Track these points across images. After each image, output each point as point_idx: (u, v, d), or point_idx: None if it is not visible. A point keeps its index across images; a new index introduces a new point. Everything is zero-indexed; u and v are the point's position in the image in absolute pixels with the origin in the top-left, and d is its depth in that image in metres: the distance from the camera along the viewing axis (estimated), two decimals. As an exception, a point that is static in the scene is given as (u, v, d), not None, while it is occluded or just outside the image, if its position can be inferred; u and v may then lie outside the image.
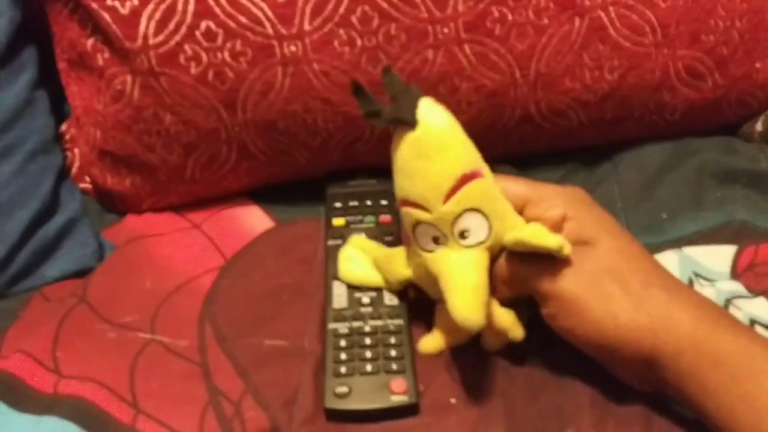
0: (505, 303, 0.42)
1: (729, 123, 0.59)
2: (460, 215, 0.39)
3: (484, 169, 0.40)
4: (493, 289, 0.41)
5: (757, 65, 0.56)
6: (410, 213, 0.40)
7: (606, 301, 0.38)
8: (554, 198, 0.41)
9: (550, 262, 0.39)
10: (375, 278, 0.47)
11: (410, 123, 0.38)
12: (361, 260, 0.47)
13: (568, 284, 0.39)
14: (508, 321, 0.42)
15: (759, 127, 0.58)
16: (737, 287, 0.47)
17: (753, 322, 0.45)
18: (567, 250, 0.39)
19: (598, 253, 0.39)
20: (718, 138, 0.58)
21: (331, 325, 0.45)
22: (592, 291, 0.38)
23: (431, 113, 0.38)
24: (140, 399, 0.43)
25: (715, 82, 0.55)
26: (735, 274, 0.49)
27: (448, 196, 0.38)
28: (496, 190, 0.41)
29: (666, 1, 0.51)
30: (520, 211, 0.42)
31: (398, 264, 0.45)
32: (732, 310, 0.45)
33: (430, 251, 0.41)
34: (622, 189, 0.55)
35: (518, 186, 0.42)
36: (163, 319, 0.48)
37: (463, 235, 0.39)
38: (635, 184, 0.55)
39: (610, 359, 0.40)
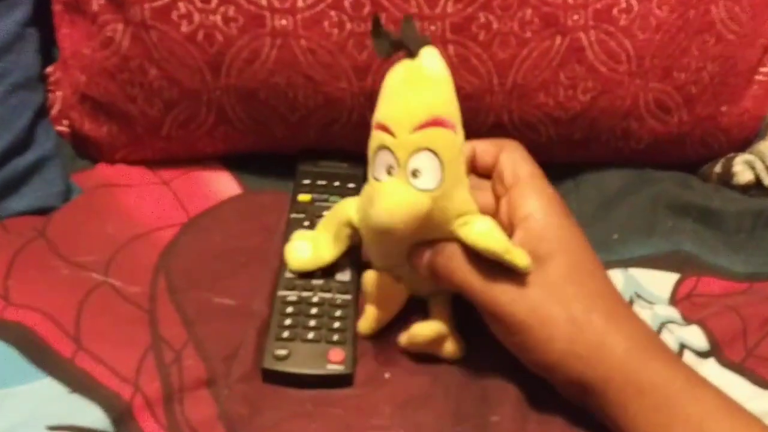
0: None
1: (690, 160, 0.61)
2: (419, 151, 0.39)
3: (459, 129, 0.41)
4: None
5: (723, 109, 0.58)
6: (377, 136, 0.40)
7: (547, 325, 0.39)
8: (539, 196, 0.42)
9: (494, 273, 0.40)
10: (320, 254, 0.47)
11: (412, 51, 0.39)
12: (305, 246, 0.47)
13: (511, 307, 0.39)
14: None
15: (718, 168, 0.61)
16: (673, 313, 0.49)
17: (683, 346, 0.47)
18: (526, 265, 0.39)
19: (547, 274, 0.40)
20: (678, 173, 0.60)
21: (281, 292, 0.46)
22: (535, 315, 0.39)
23: (435, 55, 0.40)
24: (83, 335, 0.44)
25: (681, 118, 0.57)
26: (674, 300, 0.51)
27: (418, 127, 0.39)
28: (462, 157, 0.41)
29: (644, 33, 0.53)
30: (509, 188, 0.42)
31: (345, 207, 0.45)
32: (664, 334, 0.47)
33: (379, 180, 0.41)
34: (581, 207, 0.57)
35: (528, 166, 0.43)
36: (119, 264, 0.49)
37: (415, 174, 0.39)
38: (593, 205, 0.57)
39: (545, 378, 0.41)
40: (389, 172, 0.40)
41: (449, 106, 0.40)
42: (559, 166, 0.59)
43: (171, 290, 0.47)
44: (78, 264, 0.48)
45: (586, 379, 0.39)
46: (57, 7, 0.56)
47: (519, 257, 0.39)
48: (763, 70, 0.60)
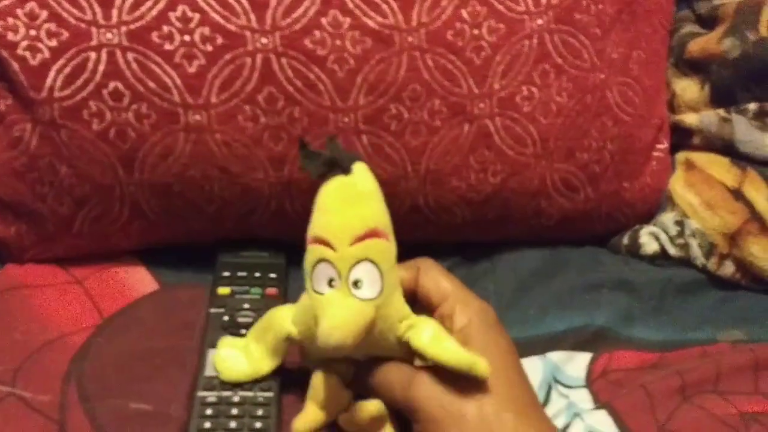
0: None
1: (600, 234, 0.64)
2: (359, 262, 0.40)
3: (392, 238, 0.42)
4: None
5: (625, 184, 0.62)
6: (316, 250, 0.41)
7: (459, 422, 0.40)
8: (466, 309, 0.44)
9: (412, 372, 0.42)
10: (257, 366, 0.46)
11: (345, 169, 0.41)
12: (237, 355, 0.46)
13: (426, 402, 0.41)
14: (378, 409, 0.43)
15: (626, 240, 0.64)
16: (587, 398, 0.51)
17: None
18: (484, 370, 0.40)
19: (465, 376, 0.41)
20: (589, 249, 0.63)
21: (200, 393, 0.45)
22: (448, 411, 0.40)
23: (366, 170, 0.42)
24: (-13, 455, 0.41)
25: (587, 195, 0.60)
26: (589, 380, 0.52)
27: (356, 240, 0.40)
28: (396, 265, 0.43)
29: (547, 118, 0.56)
30: (437, 306, 0.44)
31: (281, 321, 0.45)
32: (576, 423, 0.49)
33: (321, 294, 0.41)
34: (497, 288, 0.58)
35: (448, 282, 0.45)
36: (27, 372, 0.47)
37: (356, 284, 0.41)
38: (510, 286, 0.58)
39: None
40: (330, 284, 0.41)
41: (383, 218, 0.42)
42: (475, 247, 0.61)
43: (83, 398, 0.45)
44: (-18, 376, 0.46)
45: None
46: (-39, 107, 0.55)
47: (483, 368, 0.40)
48: (659, 146, 0.64)
